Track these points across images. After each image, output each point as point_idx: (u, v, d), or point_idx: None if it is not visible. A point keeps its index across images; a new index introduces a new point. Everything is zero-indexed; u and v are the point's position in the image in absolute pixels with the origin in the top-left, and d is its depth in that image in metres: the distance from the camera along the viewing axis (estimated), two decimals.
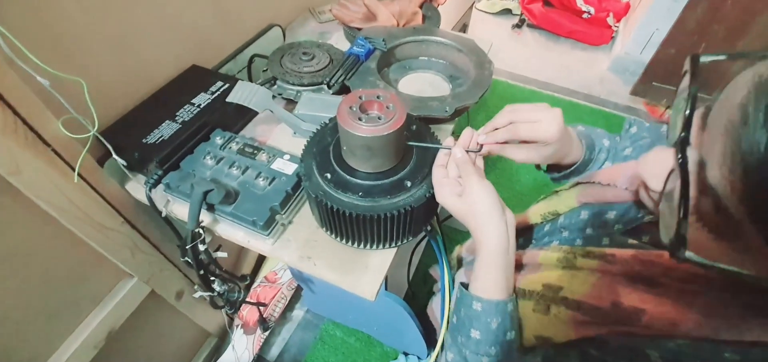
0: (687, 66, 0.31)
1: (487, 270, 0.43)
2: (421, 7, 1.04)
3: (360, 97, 0.47)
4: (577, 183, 0.53)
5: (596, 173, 0.50)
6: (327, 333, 1.19)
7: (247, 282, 0.71)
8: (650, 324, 0.34)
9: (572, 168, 0.54)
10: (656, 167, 0.33)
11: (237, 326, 1.12)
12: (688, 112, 0.28)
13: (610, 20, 2.49)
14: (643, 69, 1.87)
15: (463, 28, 1.85)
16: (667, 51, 1.70)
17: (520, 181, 1.69)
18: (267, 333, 1.14)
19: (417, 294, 1.07)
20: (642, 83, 1.86)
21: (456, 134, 0.75)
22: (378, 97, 0.47)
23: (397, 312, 0.90)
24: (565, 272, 0.43)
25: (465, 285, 0.48)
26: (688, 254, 0.26)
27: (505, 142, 0.48)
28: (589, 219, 0.48)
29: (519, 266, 0.46)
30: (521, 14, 2.76)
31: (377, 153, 0.46)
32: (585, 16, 2.52)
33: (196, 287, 0.90)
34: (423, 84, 0.83)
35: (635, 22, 2.40)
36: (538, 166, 0.59)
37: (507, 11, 2.89)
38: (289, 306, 1.20)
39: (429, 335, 0.94)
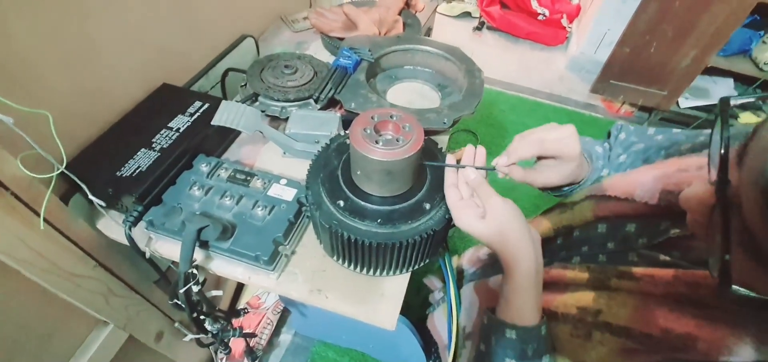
0: (718, 110, 0.32)
1: (519, 296, 0.42)
2: (399, 14, 1.02)
3: (372, 118, 0.44)
4: (589, 196, 0.52)
5: (608, 185, 0.49)
6: (318, 355, 1.14)
7: (241, 318, 0.65)
8: (707, 351, 0.33)
9: (580, 183, 0.53)
10: (699, 201, 0.33)
11: (221, 359, 1.04)
12: (723, 152, 0.29)
13: (564, 21, 2.62)
14: (598, 67, 1.99)
15: (428, 31, 1.86)
16: (622, 50, 1.82)
17: (495, 179, 1.72)
18: None
19: (411, 305, 1.05)
20: (600, 81, 1.97)
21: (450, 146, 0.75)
22: (392, 117, 0.44)
23: (398, 328, 0.87)
24: (599, 293, 0.42)
25: (491, 310, 0.46)
26: (735, 288, 0.27)
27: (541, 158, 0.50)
28: (607, 233, 0.47)
29: (544, 285, 0.45)
30: (480, 17, 2.83)
31: (397, 177, 0.43)
32: (540, 17, 2.63)
33: (176, 325, 0.82)
34: (412, 94, 0.81)
35: (587, 24, 2.55)
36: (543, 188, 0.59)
37: (467, 14, 2.96)
38: (276, 331, 1.14)
39: (427, 347, 0.92)
